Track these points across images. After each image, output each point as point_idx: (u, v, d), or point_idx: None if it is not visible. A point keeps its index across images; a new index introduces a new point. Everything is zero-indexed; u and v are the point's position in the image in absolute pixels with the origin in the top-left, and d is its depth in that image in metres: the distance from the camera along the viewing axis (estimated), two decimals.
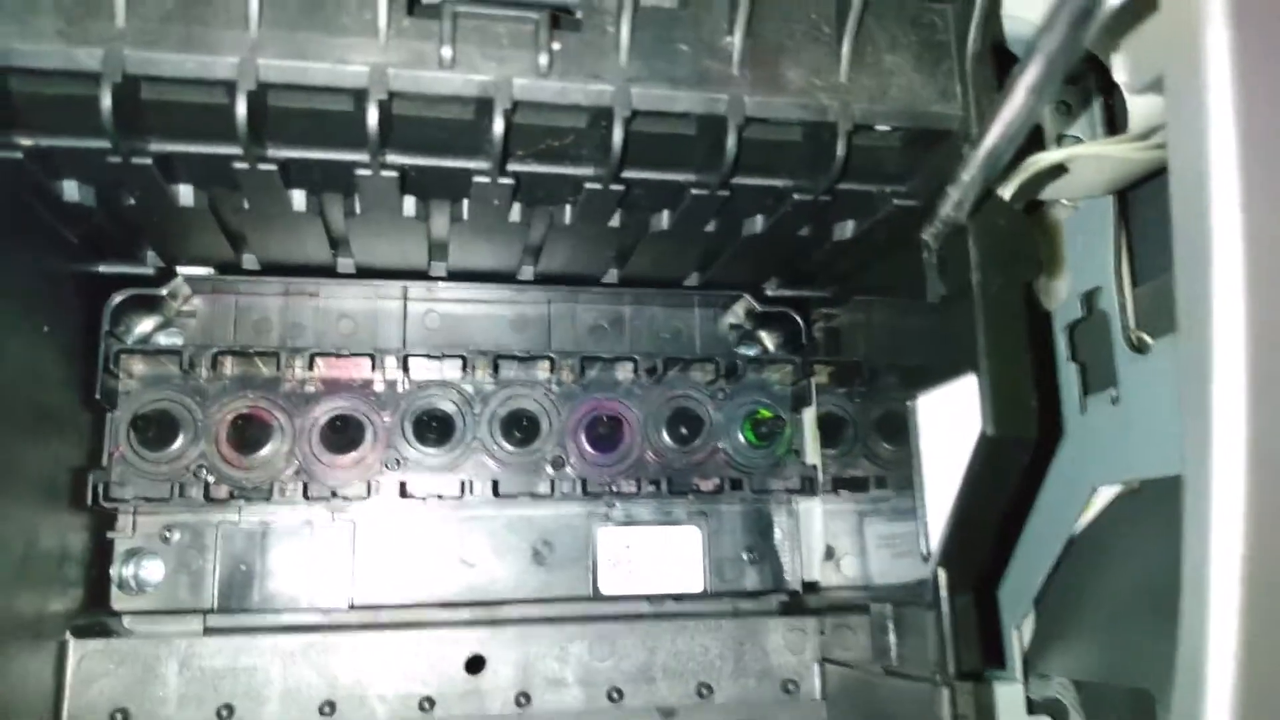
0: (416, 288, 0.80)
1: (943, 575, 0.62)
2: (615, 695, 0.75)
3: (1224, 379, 0.47)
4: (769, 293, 0.85)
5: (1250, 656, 0.47)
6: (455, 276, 0.80)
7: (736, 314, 0.86)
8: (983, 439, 0.56)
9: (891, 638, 0.68)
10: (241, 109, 0.54)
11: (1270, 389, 0.47)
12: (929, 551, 0.63)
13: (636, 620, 0.78)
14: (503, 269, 0.79)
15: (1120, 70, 0.57)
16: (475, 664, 0.74)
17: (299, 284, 0.79)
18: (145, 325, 0.79)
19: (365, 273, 0.78)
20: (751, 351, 0.88)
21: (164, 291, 0.76)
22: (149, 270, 0.76)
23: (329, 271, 0.77)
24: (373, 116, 0.55)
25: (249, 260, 0.75)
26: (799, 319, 0.85)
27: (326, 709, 0.72)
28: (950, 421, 0.61)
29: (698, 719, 0.77)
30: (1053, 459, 0.79)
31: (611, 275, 0.81)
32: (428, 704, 0.72)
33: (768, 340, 0.89)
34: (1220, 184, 0.47)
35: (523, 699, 0.74)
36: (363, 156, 0.58)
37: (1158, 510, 0.71)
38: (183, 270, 0.76)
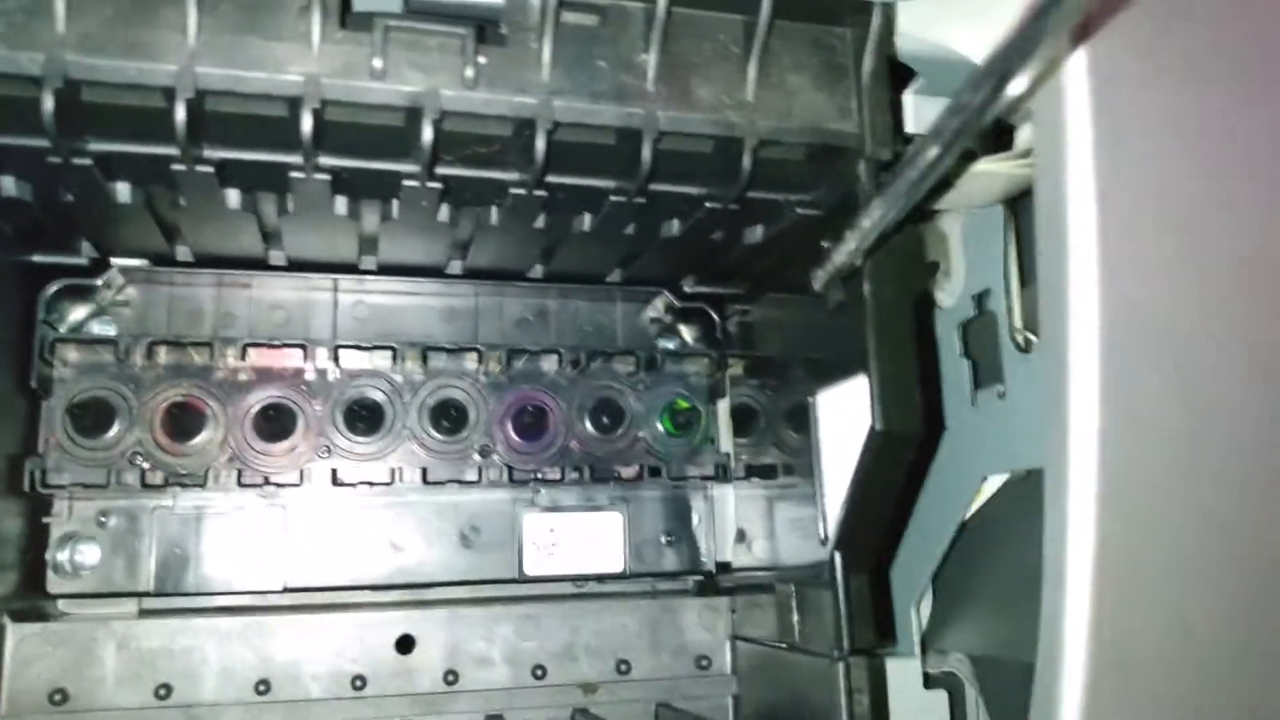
0: (347, 280, 0.83)
1: (839, 558, 0.67)
2: (539, 672, 0.79)
3: (1078, 381, 0.53)
4: (687, 289, 0.89)
5: (1099, 631, 0.53)
6: (385, 270, 0.83)
7: (657, 309, 0.91)
8: (873, 433, 0.61)
9: (795, 616, 0.73)
10: (180, 114, 0.57)
11: (1119, 390, 0.53)
12: (827, 536, 0.69)
13: (560, 601, 0.82)
14: (432, 264, 0.82)
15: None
16: (405, 644, 0.78)
17: (232, 275, 0.81)
18: (79, 314, 0.80)
19: (297, 265, 0.81)
20: (671, 344, 0.93)
21: (99, 282, 0.78)
22: (84, 260, 0.77)
23: (261, 264, 0.80)
24: (307, 124, 0.58)
25: (183, 252, 0.78)
26: (714, 314, 0.90)
27: (261, 687, 0.75)
28: (846, 417, 0.66)
29: (617, 693, 0.81)
30: (945, 449, 0.85)
31: (537, 271, 0.85)
32: (359, 682, 0.76)
33: (687, 334, 0.93)
34: (1077, 211, 0.53)
35: (451, 677, 0.78)
36: (296, 159, 0.61)
37: (1040, 498, 0.78)
38: (117, 261, 0.78)
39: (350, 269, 0.82)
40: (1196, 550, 0.54)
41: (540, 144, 0.61)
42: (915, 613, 0.89)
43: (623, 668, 0.81)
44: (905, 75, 0.83)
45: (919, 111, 0.79)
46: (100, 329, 0.81)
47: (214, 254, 0.78)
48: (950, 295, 0.86)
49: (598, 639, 0.81)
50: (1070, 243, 0.53)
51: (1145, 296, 0.53)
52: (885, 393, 0.61)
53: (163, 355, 0.79)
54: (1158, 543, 0.53)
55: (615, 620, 0.82)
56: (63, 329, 0.79)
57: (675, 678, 0.81)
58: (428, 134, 0.60)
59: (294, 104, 0.58)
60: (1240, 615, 0.53)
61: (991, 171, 0.68)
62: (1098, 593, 0.53)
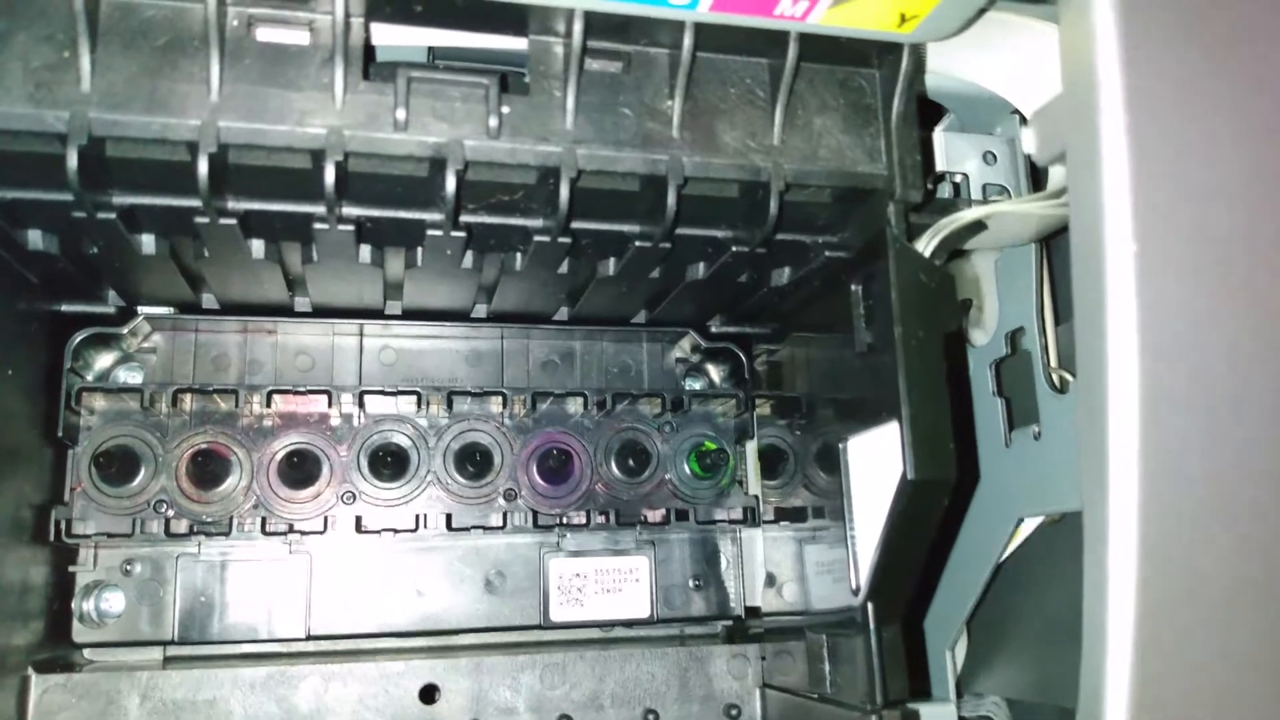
0: (373, 325, 0.83)
1: (871, 608, 0.66)
2: None
3: (1117, 423, 0.52)
4: (713, 329, 0.88)
5: (1143, 675, 0.51)
6: (410, 315, 0.82)
7: (683, 349, 0.90)
8: (904, 481, 0.60)
9: (826, 665, 0.72)
10: (203, 168, 0.56)
11: (1159, 432, 0.51)
12: (858, 585, 0.67)
13: (586, 648, 0.81)
14: (456, 308, 0.82)
15: (1029, 143, 0.61)
16: (429, 693, 0.77)
17: (257, 322, 0.81)
18: (105, 361, 0.81)
19: (322, 311, 0.80)
20: (698, 385, 0.92)
21: (124, 330, 0.78)
22: (110, 309, 0.78)
23: (286, 310, 0.80)
24: (330, 175, 0.58)
25: (208, 300, 0.78)
26: (742, 355, 0.88)
27: None
28: (877, 463, 0.65)
29: None
30: (979, 491, 0.84)
31: (562, 314, 0.84)
32: None
33: (714, 374, 0.92)
34: (1115, 254, 0.52)
35: None
36: (320, 209, 0.61)
37: (1078, 540, 0.76)
38: (143, 310, 0.78)
39: (376, 314, 0.81)
40: (1241, 597, 0.52)
41: (564, 192, 0.61)
42: (950, 656, 0.88)
43: (650, 717, 0.79)
44: (932, 111, 0.83)
45: (949, 148, 0.78)
46: (127, 376, 0.81)
47: (239, 301, 0.78)
48: (984, 334, 0.85)
49: (624, 688, 0.80)
50: (1108, 284, 0.51)
51: (1184, 336, 0.51)
52: (917, 439, 0.60)
53: (188, 403, 0.79)
54: (1201, 590, 0.51)
55: (642, 668, 0.81)
56: (90, 376, 0.79)
57: None
58: (451, 184, 0.59)
59: (317, 156, 0.58)
60: None
61: (1021, 213, 0.67)
62: (1140, 641, 0.51)
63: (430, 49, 0.67)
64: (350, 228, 0.63)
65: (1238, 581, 0.52)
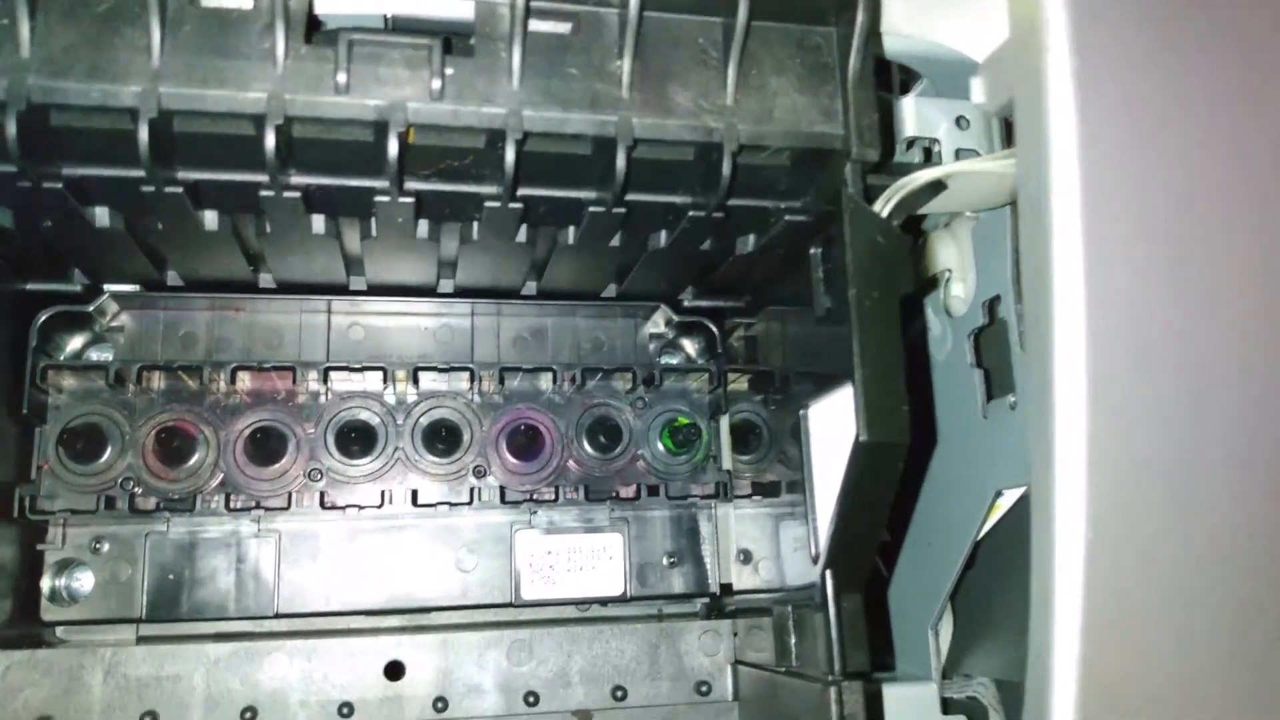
0: (341, 302, 0.82)
1: (830, 576, 0.64)
2: (531, 699, 0.77)
3: (1064, 387, 0.50)
4: (686, 303, 0.87)
5: (1089, 649, 0.49)
6: (375, 290, 0.82)
7: (656, 324, 0.89)
8: (858, 444, 0.59)
9: (792, 639, 0.71)
10: (144, 135, 0.56)
11: (1107, 395, 0.50)
12: (818, 555, 0.66)
13: (554, 625, 0.80)
14: (423, 283, 0.81)
15: (978, 92, 0.59)
16: (394, 669, 0.76)
17: (225, 300, 0.81)
18: (77, 343, 0.81)
19: (289, 288, 0.80)
20: (675, 360, 0.91)
21: (90, 308, 0.78)
22: (76, 288, 0.77)
23: (252, 287, 0.79)
24: (270, 140, 0.57)
25: (172, 277, 0.78)
26: (714, 329, 0.87)
27: (248, 715, 0.73)
28: (835, 429, 0.64)
29: None
30: (956, 463, 0.82)
31: (531, 288, 0.84)
32: (347, 709, 0.74)
33: (690, 348, 0.91)
34: (1062, 203, 0.50)
35: (440, 704, 0.76)
36: (263, 178, 0.60)
37: None
38: (109, 288, 0.78)
39: (340, 289, 0.81)
40: (1189, 567, 0.51)
41: (510, 154, 0.60)
42: (932, 635, 0.86)
43: (619, 694, 0.78)
44: (894, 77, 0.81)
45: (921, 113, 0.77)
46: (99, 356, 0.81)
47: (203, 278, 0.78)
48: (962, 303, 0.84)
49: (593, 665, 0.79)
50: (1054, 240, 0.50)
51: (1134, 292, 0.50)
52: (870, 401, 0.59)
53: (155, 381, 0.79)
54: (1149, 563, 0.49)
55: (611, 645, 0.80)
56: (62, 356, 0.79)
57: (674, 704, 0.79)
58: (394, 147, 0.59)
59: (258, 121, 0.57)
60: (1233, 636, 0.49)
61: (979, 171, 0.65)
62: (1087, 619, 0.50)
63: (386, 17, 0.66)
64: (297, 195, 0.62)
65: (1186, 554, 0.50)
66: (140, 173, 0.59)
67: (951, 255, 0.85)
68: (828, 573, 0.64)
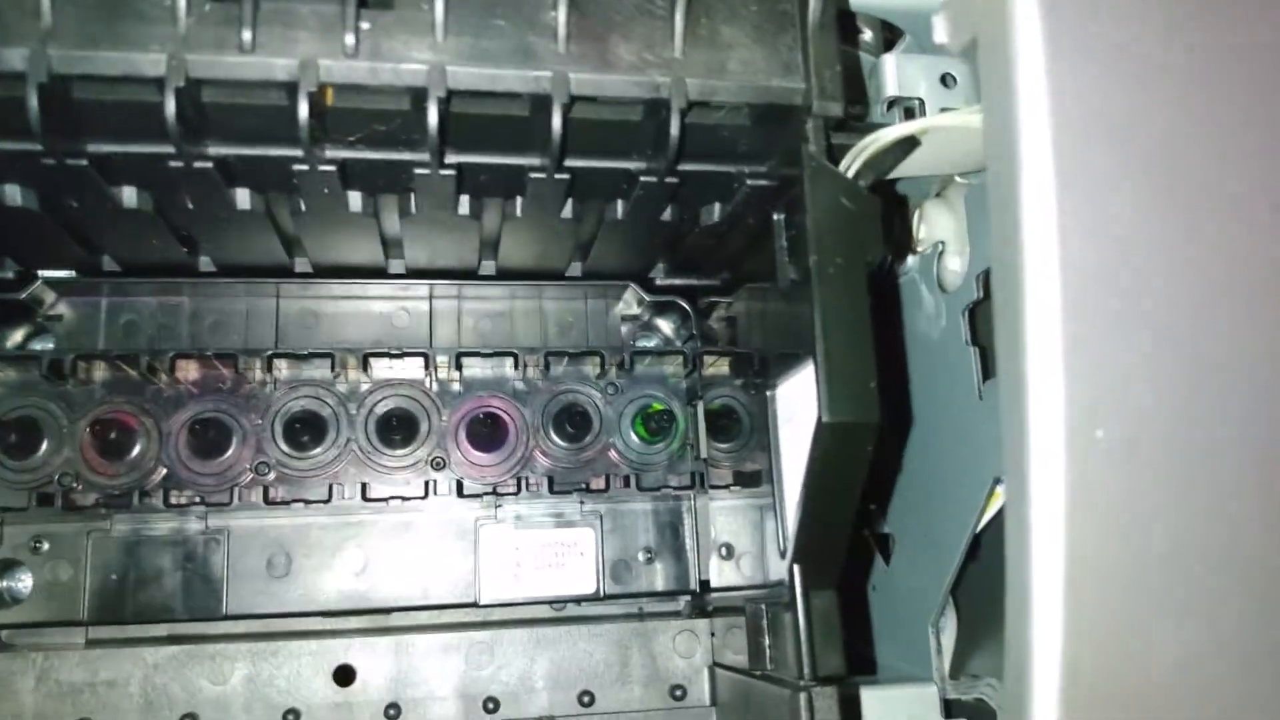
0: (290, 286, 0.78)
1: (798, 571, 0.59)
2: (491, 706, 0.72)
3: (1036, 352, 0.44)
4: (658, 281, 0.82)
5: (1073, 646, 0.44)
6: (323, 272, 0.77)
7: (629, 304, 0.83)
8: (820, 425, 0.53)
9: (766, 639, 0.65)
10: (33, 102, 0.52)
11: (1083, 371, 0.44)
12: (785, 548, 0.60)
13: (517, 627, 0.75)
14: (369, 263, 0.76)
15: (940, 31, 0.53)
16: (344, 675, 0.72)
17: (167, 285, 0.77)
18: (18, 336, 0.77)
19: (230, 270, 0.76)
20: (651, 342, 0.85)
21: (22, 295, 0.74)
22: (8, 274, 0.74)
23: (192, 271, 0.75)
24: (170, 105, 0.53)
25: (107, 261, 0.73)
26: (688, 308, 0.82)
27: None
28: (802, 411, 0.58)
29: None
30: (952, 449, 0.76)
31: (489, 267, 0.79)
32: (293, 716, 0.70)
33: (668, 329, 0.86)
34: (1030, 149, 0.44)
35: (392, 711, 0.71)
36: (169, 149, 0.56)
37: None
38: (42, 273, 0.74)
39: (286, 273, 0.76)
40: (1176, 560, 0.45)
41: (433, 115, 0.55)
42: (933, 633, 0.80)
43: (585, 699, 0.73)
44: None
45: (902, 71, 0.71)
46: (41, 346, 0.77)
47: (139, 263, 0.74)
48: (957, 277, 0.78)
49: (559, 668, 0.74)
50: (1022, 180, 0.44)
51: (1109, 243, 0.43)
52: (833, 377, 0.53)
53: (94, 371, 0.75)
54: (1133, 549, 0.43)
55: (579, 646, 0.75)
56: (2, 348, 0.75)
57: (645, 710, 0.73)
58: (304, 110, 0.54)
59: (159, 84, 0.53)
60: (1222, 630, 0.43)
61: (956, 126, 0.59)
62: (1069, 611, 0.44)
63: None
64: (209, 165, 0.58)
65: (1172, 543, 0.44)
66: (34, 146, 0.54)
67: (946, 226, 0.79)
68: (795, 568, 0.59)
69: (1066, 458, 0.43)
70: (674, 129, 0.57)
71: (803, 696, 0.57)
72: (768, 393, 0.64)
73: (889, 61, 0.71)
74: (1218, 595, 0.43)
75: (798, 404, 0.59)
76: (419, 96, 0.56)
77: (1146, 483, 0.43)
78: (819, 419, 0.53)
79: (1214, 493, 0.43)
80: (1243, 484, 0.43)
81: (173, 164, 0.57)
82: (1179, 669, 0.43)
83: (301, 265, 0.76)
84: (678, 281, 0.82)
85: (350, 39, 0.54)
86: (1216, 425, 0.43)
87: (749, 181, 0.63)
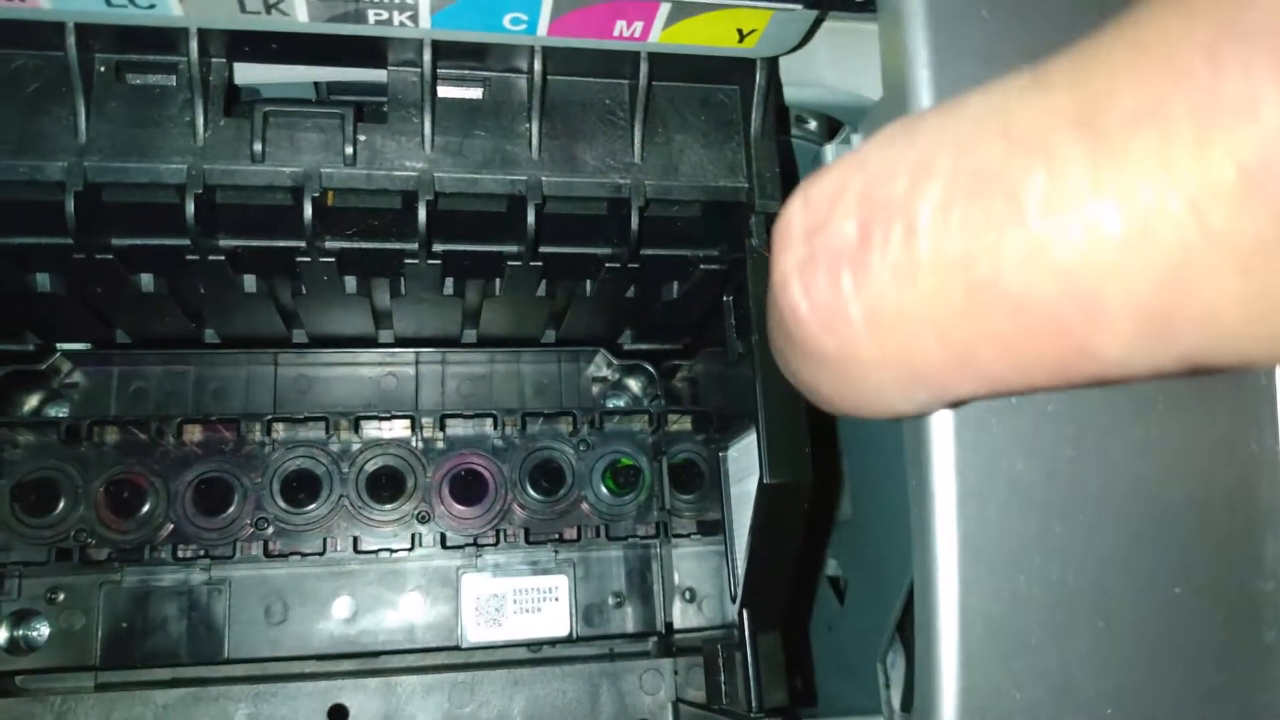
0: (287, 355, 0.85)
1: (746, 615, 0.66)
2: None
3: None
4: (625, 346, 0.89)
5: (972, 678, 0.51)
6: (318, 342, 0.85)
7: (599, 367, 0.91)
8: (762, 486, 0.61)
9: (721, 676, 0.72)
10: (70, 208, 0.59)
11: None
12: (735, 594, 0.68)
13: (496, 668, 0.82)
14: (360, 334, 0.84)
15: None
16: (338, 713, 0.78)
17: (174, 356, 0.84)
18: (34, 401, 0.84)
19: (233, 342, 0.83)
20: (621, 401, 0.93)
21: (43, 366, 0.81)
22: (29, 347, 0.80)
23: (198, 343, 0.82)
24: (190, 208, 0.60)
25: (121, 336, 0.81)
26: (653, 370, 0.89)
27: None
28: (748, 470, 0.66)
29: None
30: (891, 485, 0.83)
31: (470, 336, 0.86)
32: None
33: (636, 389, 0.93)
34: None
35: None
36: (185, 242, 0.63)
37: None
38: (61, 346, 0.81)
39: (284, 343, 0.84)
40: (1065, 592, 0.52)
41: (422, 214, 0.63)
42: (881, 669, 0.87)
43: None
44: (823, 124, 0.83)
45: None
46: (56, 414, 0.84)
47: (150, 335, 0.81)
48: None
49: (534, 705, 0.80)
50: None
51: None
52: (773, 444, 0.61)
53: (106, 435, 0.81)
54: (1028, 589, 0.51)
55: (553, 685, 0.81)
56: (21, 413, 0.82)
57: None
58: (308, 211, 0.62)
59: (180, 190, 0.60)
60: (1109, 655, 0.50)
61: None
62: (966, 644, 0.51)
63: (316, 84, 0.69)
64: (221, 256, 0.65)
65: (1046, 592, 0.51)
66: (67, 240, 0.62)
67: None
68: (745, 612, 0.66)
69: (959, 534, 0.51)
70: (634, 222, 0.65)
71: None
72: (720, 454, 0.72)
73: (829, 152, 0.79)
74: (1085, 623, 0.50)
75: (745, 465, 0.66)
76: (410, 198, 0.63)
77: (1028, 540, 0.50)
78: (761, 481, 0.60)
79: (1079, 546, 0.51)
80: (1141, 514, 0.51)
81: (189, 256, 0.64)
82: (1058, 687, 0.50)
83: (298, 336, 0.83)
84: (644, 346, 0.89)
85: (349, 149, 0.61)
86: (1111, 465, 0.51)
87: (702, 265, 0.71)
